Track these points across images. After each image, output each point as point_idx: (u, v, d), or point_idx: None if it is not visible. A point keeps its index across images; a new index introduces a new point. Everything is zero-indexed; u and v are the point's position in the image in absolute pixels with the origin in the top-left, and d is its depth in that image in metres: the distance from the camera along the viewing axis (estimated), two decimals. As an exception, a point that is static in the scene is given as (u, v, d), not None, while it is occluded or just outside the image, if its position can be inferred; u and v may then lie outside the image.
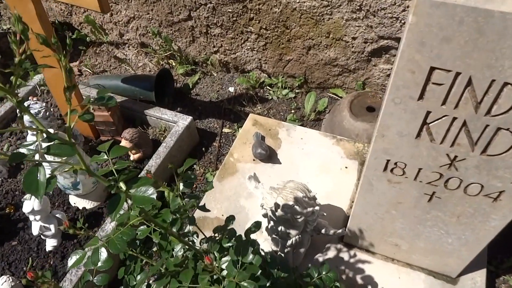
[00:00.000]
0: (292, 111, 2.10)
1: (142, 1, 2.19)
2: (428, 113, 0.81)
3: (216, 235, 0.93)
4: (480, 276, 1.27)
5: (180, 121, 1.85)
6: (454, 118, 0.80)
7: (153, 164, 1.68)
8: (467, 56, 0.68)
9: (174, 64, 2.40)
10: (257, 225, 0.93)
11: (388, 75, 1.96)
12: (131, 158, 1.80)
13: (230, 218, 1.00)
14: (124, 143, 1.74)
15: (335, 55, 1.98)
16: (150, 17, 2.26)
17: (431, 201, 1.02)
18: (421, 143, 0.88)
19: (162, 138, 1.90)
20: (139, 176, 0.69)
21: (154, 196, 0.61)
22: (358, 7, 1.73)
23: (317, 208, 1.17)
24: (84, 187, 1.58)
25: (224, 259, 0.89)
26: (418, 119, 0.83)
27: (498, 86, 0.71)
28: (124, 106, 1.97)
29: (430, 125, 0.84)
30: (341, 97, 2.10)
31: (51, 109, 1.90)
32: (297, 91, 2.20)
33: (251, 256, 0.82)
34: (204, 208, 0.87)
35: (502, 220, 0.97)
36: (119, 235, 0.71)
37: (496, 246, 1.51)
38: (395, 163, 0.97)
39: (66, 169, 0.62)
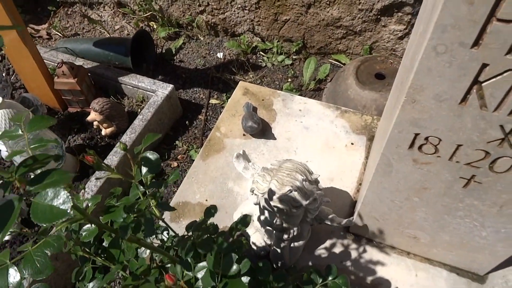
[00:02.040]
0: (289, 80, 1.85)
1: (116, -49, 1.89)
2: (484, 66, 0.57)
3: (190, 234, 0.71)
4: (512, 273, 1.07)
5: (159, 90, 1.60)
6: (520, 76, 0.56)
7: (127, 139, 1.44)
8: None
9: (155, 26, 2.13)
10: (243, 222, 0.71)
11: (400, 38, 1.71)
12: (103, 132, 1.56)
13: (211, 210, 0.77)
14: (93, 114, 1.49)
15: (338, 14, 1.71)
16: (126, -29, 1.97)
17: (468, 187, 0.80)
18: (466, 110, 0.65)
19: (139, 110, 1.65)
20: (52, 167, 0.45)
21: (68, 206, 0.38)
22: (368, -46, 1.46)
23: (319, 193, 0.94)
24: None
25: (200, 265, 0.66)
26: (467, 76, 0.59)
27: None
28: (95, 72, 1.71)
29: (483, 84, 0.60)
30: (344, 64, 1.85)
31: (3, 75, 1.64)
32: (294, 57, 1.95)
33: (235, 267, 0.59)
34: (167, 207, 0.64)
35: (561, 212, 0.76)
36: (40, 248, 0.48)
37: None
38: (426, 138, 0.73)
39: None
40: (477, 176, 0.76)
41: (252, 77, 1.87)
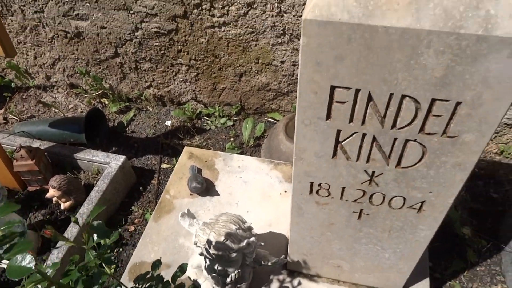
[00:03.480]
0: (231, 139, 2.07)
1: (65, 41, 2.11)
2: (339, 131, 0.80)
3: (138, 286, 0.86)
4: (424, 286, 1.27)
5: (113, 162, 1.76)
6: (364, 134, 0.79)
7: (84, 211, 1.58)
8: (362, 72, 0.68)
9: (107, 102, 2.32)
10: (181, 269, 0.87)
11: (320, 95, 1.99)
12: (62, 207, 1.68)
13: (155, 263, 0.93)
14: (52, 191, 1.62)
15: (267, 80, 1.98)
16: (76, 57, 2.18)
17: (361, 219, 1.01)
18: (338, 162, 0.87)
19: (95, 182, 1.80)
20: (18, 240, 0.61)
21: (32, 264, 0.54)
22: (282, 32, 1.75)
23: (253, 239, 1.12)
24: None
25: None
26: (330, 139, 0.82)
27: (397, 99, 0.71)
28: (52, 151, 1.85)
29: (343, 143, 0.83)
30: (278, 120, 2.10)
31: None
32: (235, 118, 2.18)
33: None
34: (110, 261, 0.79)
35: (429, 230, 0.97)
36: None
37: (438, 253, 1.53)
38: (319, 185, 0.95)
39: None
40: (364, 209, 0.98)
41: (198, 140, 2.07)
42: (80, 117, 2.00)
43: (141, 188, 1.84)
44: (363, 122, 0.77)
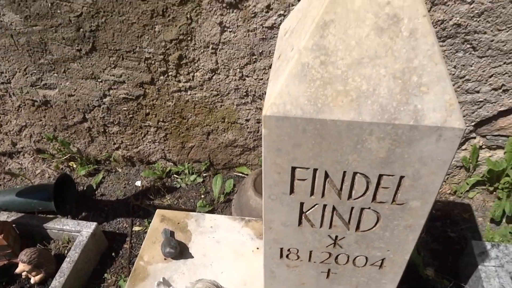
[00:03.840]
0: (202, 196, 2.12)
1: (33, 109, 2.14)
2: (302, 203, 0.88)
3: None
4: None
5: (84, 230, 1.76)
6: (325, 205, 0.88)
7: (56, 284, 1.56)
8: (318, 155, 0.77)
9: (75, 166, 2.32)
10: None
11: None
12: (32, 281, 1.65)
13: None
14: (21, 266, 1.60)
15: (233, 137, 2.08)
16: (44, 124, 2.20)
17: (329, 277, 1.08)
18: (304, 229, 0.95)
19: (66, 251, 1.78)
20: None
21: None
22: (245, 93, 1.87)
23: (229, 303, 1.16)
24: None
25: None
26: (295, 210, 0.90)
27: (350, 176, 0.80)
28: (20, 222, 1.83)
29: (306, 213, 0.91)
30: (247, 175, 2.18)
31: None
32: (204, 174, 2.24)
33: None
34: None
35: (392, 283, 1.05)
36: None
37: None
38: (288, 250, 1.01)
39: None
40: (331, 269, 1.05)
41: (169, 199, 2.11)
42: (49, 184, 2.00)
43: (113, 253, 1.84)
44: (322, 195, 0.85)
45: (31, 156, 2.39)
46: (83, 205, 2.10)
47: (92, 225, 1.77)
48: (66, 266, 1.60)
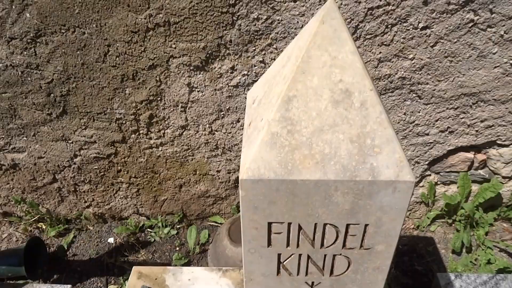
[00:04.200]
0: (177, 249, 2.13)
1: (0, 173, 2.12)
2: (279, 254, 0.96)
3: None
4: None
5: (58, 294, 1.72)
6: (300, 255, 0.96)
7: None
8: (291, 211, 0.86)
9: (44, 226, 2.28)
10: None
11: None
12: None
13: None
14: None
15: (205, 188, 2.14)
16: (11, 186, 2.18)
17: (309, 322, 1.14)
18: (283, 278, 1.01)
19: (39, 318, 1.73)
20: None
21: None
22: (215, 146, 1.96)
23: None
24: None
25: None
26: (273, 261, 0.97)
27: (321, 227, 0.89)
28: (-11, 292, 1.77)
29: (284, 263, 0.98)
30: (221, 223, 2.23)
31: None
32: (178, 226, 2.27)
33: None
34: None
35: (367, 323, 1.13)
36: None
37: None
38: (269, 299, 1.07)
39: None
40: (310, 314, 1.11)
41: (144, 254, 2.11)
42: (18, 249, 1.96)
43: (89, 317, 1.80)
44: (297, 246, 0.93)
45: (-3, 220, 2.33)
46: (54, 267, 2.06)
47: (67, 288, 1.74)
48: (41, 335, 1.56)
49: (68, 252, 2.15)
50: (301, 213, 0.87)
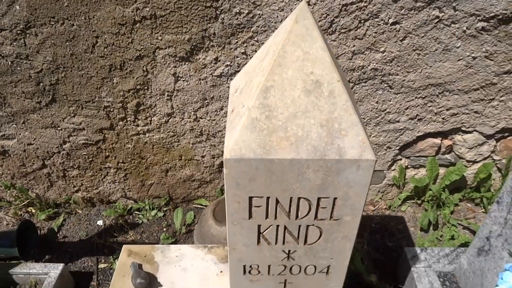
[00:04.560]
0: (164, 230, 2.25)
1: (-11, 159, 2.18)
2: (259, 226, 1.09)
3: None
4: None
5: (51, 271, 1.82)
6: (278, 225, 1.08)
7: (28, 327, 1.61)
8: (269, 186, 0.99)
9: (34, 211, 2.36)
10: None
11: (239, 180, 2.30)
12: (1, 327, 1.68)
13: None
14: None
15: (190, 172, 2.25)
16: (1, 173, 2.24)
17: (287, 287, 1.28)
18: (262, 247, 1.14)
19: (34, 295, 1.83)
20: None
21: None
22: (200, 133, 2.07)
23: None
24: None
25: None
26: (254, 232, 1.10)
27: (296, 200, 1.02)
28: (-16, 273, 1.86)
29: (263, 233, 1.11)
30: (205, 206, 2.35)
31: None
32: (164, 209, 2.38)
33: None
34: None
35: (338, 286, 1.27)
36: None
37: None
38: (250, 266, 1.20)
39: None
40: (287, 279, 1.25)
41: (132, 235, 2.21)
42: (11, 231, 2.03)
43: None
44: (275, 217, 1.06)
45: (-13, 205, 2.39)
46: (45, 248, 2.15)
47: (60, 266, 1.84)
48: (38, 309, 1.66)
49: (58, 234, 2.24)
50: (278, 189, 0.99)
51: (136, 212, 2.36)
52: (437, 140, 2.18)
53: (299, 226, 1.09)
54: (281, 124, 0.91)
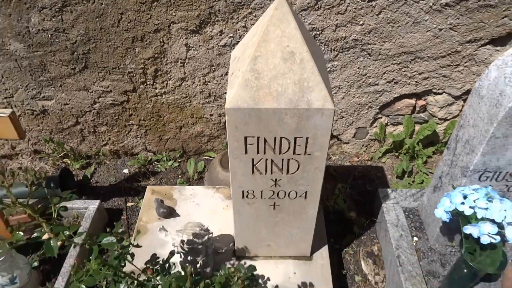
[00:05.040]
0: (179, 176, 2.67)
1: (32, 118, 2.59)
2: (253, 159, 1.48)
3: (148, 265, 1.44)
4: (324, 251, 1.97)
5: (90, 206, 2.26)
6: (266, 159, 1.48)
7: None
8: (259, 129, 1.37)
9: (69, 161, 2.79)
10: (171, 253, 1.47)
11: (242, 135, 2.70)
12: (55, 247, 2.14)
13: (153, 255, 1.51)
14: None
15: (201, 129, 2.64)
16: (41, 129, 2.66)
17: (275, 209, 1.69)
18: (256, 176, 1.54)
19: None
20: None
21: (115, 240, 1.13)
22: (208, 95, 2.44)
23: (210, 235, 1.74)
24: (20, 280, 1.88)
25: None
26: (249, 164, 1.49)
27: (279, 140, 1.40)
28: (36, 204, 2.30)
29: (256, 165, 1.50)
30: (213, 157, 2.75)
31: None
32: (179, 160, 2.79)
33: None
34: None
35: (313, 210, 1.68)
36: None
37: (336, 232, 2.27)
38: (247, 191, 1.61)
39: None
40: (276, 202, 1.66)
41: (153, 180, 2.64)
42: (54, 176, 2.47)
43: (114, 223, 2.35)
44: (264, 152, 1.45)
45: (29, 157, 2.83)
46: (82, 191, 2.59)
47: (96, 202, 2.28)
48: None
49: (91, 180, 2.68)
50: (265, 130, 1.38)
51: (155, 162, 2.78)
52: (412, 101, 2.53)
53: (282, 159, 1.48)
54: (266, 83, 1.28)
